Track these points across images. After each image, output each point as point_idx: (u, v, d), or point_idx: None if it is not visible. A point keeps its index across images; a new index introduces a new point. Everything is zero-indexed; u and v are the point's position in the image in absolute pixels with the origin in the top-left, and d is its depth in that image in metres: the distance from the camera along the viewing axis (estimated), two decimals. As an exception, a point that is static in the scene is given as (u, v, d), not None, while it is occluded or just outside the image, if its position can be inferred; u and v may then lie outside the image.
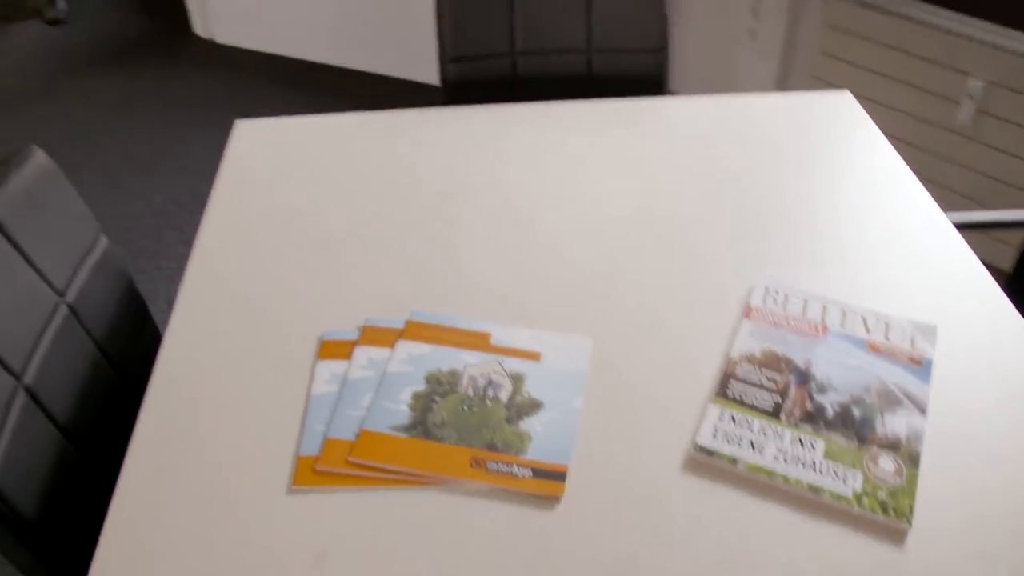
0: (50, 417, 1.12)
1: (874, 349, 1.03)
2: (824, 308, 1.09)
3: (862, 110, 1.52)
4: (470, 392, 0.98)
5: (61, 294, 1.19)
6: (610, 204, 1.31)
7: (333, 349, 1.05)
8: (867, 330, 1.06)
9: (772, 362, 1.02)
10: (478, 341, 1.05)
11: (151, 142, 3.19)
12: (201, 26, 3.83)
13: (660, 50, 1.66)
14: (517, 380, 1.00)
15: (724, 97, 1.55)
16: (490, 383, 0.99)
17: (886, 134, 2.27)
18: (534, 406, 0.97)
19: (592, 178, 1.36)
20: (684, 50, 2.64)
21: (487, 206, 1.31)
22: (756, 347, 1.04)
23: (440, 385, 0.99)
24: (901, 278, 1.16)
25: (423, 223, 1.28)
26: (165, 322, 1.15)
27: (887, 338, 1.05)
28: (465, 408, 0.96)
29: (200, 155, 3.09)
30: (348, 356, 1.04)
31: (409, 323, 1.08)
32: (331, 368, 1.03)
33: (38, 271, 1.16)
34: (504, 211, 1.30)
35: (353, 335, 1.07)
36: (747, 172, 1.37)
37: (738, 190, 1.33)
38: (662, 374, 1.02)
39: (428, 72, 3.33)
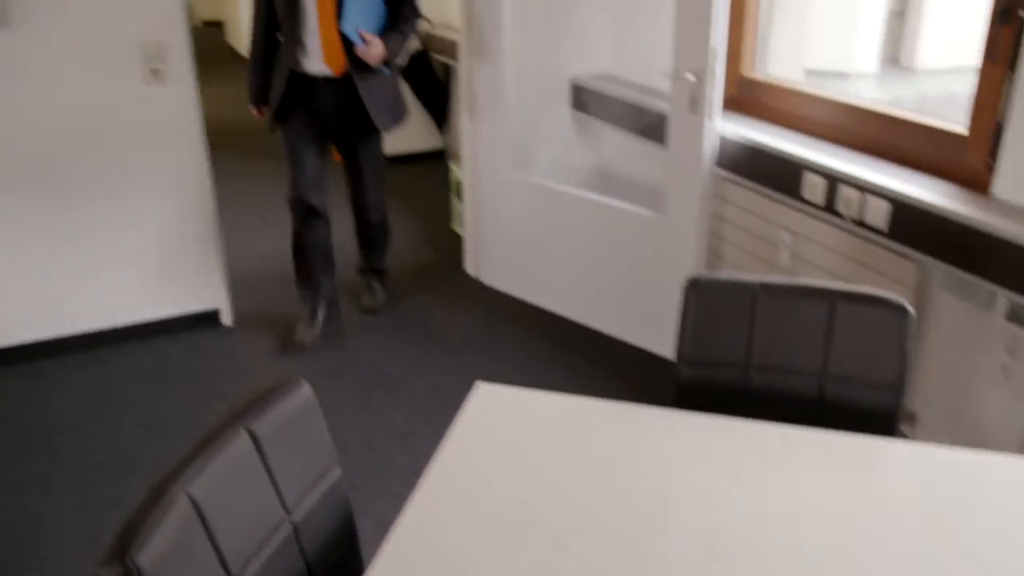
0: (249, 627, 1.22)
1: None
2: None
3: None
4: None
5: (289, 512, 1.32)
6: (808, 542, 1.29)
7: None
8: None
9: None
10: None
11: (404, 364, 3.48)
12: (472, 266, 4.21)
13: (897, 387, 1.65)
14: None
15: (954, 451, 1.51)
16: None
17: None
18: None
19: (796, 510, 1.35)
20: (928, 376, 2.58)
21: (688, 519, 1.33)
22: None
23: None
24: None
25: (621, 521, 1.32)
26: (370, 541, 1.24)
27: None
28: None
29: (445, 385, 3.31)
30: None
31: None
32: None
33: (276, 488, 1.30)
34: (702, 528, 1.31)
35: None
36: (963, 542, 1.31)
37: (945, 558, 1.27)
38: None
39: (671, 350, 3.43)
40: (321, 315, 3.71)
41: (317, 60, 3.29)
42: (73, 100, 3.31)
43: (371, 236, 3.89)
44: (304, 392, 1.34)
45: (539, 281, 3.88)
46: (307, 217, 3.54)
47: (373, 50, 3.21)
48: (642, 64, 3.84)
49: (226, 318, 3.82)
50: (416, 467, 2.84)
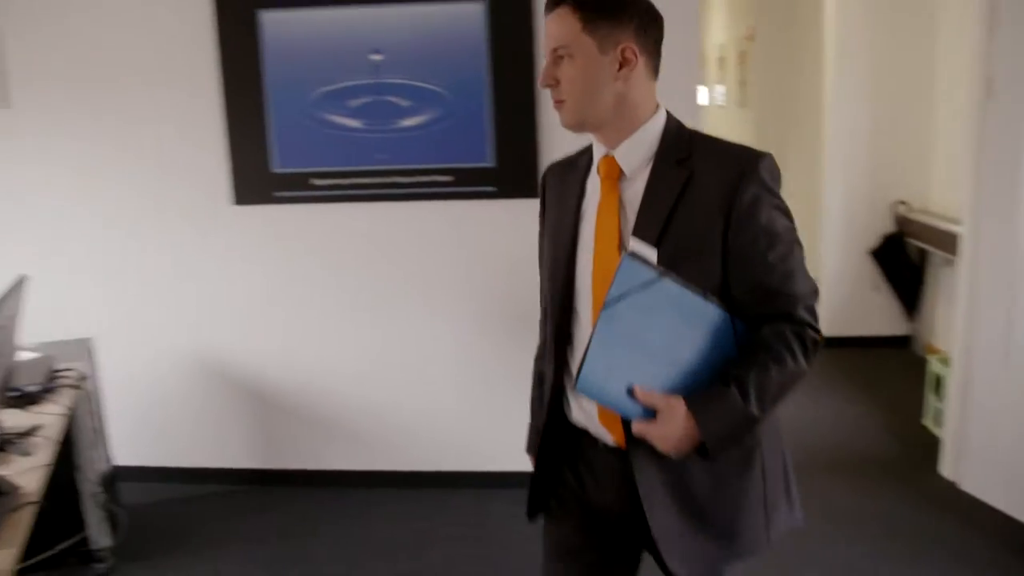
0: None
1: None
2: None
3: None
4: None
5: None
6: None
7: None
8: None
9: None
10: None
11: (861, 564, 3.25)
12: (950, 469, 3.85)
13: None
14: None
15: None
16: None
17: None
18: None
19: None
20: None
21: None
22: None
23: None
24: None
25: None
26: None
27: None
28: None
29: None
30: None
31: None
32: None
33: None
34: None
35: None
36: None
37: None
38: None
39: None
40: None
41: (588, 408, 1.69)
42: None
43: None
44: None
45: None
46: None
47: (659, 431, 1.52)
48: None
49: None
50: None
